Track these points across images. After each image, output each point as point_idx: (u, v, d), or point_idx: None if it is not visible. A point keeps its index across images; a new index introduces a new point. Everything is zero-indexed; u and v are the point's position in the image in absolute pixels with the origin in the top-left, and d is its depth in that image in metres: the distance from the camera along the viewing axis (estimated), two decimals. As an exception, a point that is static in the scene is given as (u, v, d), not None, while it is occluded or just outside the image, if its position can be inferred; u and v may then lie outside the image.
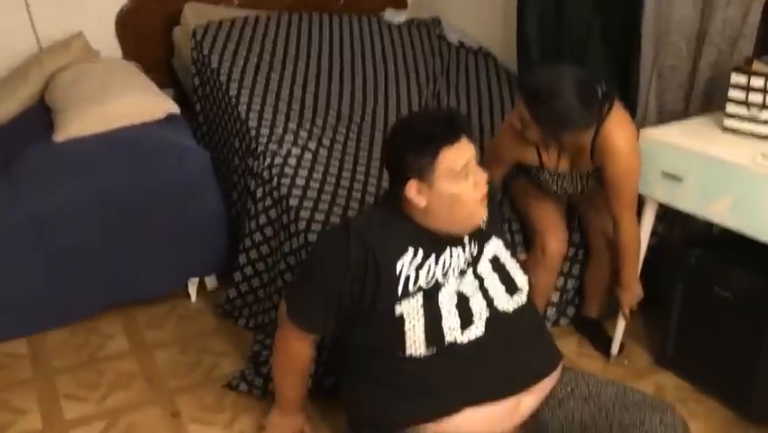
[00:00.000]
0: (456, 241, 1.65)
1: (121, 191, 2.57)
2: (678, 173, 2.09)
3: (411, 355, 1.59)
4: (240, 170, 2.93)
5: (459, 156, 1.57)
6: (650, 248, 2.34)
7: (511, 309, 1.66)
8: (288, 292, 1.79)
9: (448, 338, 1.58)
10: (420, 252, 1.61)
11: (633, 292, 2.28)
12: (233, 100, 3.03)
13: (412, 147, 1.58)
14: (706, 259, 2.24)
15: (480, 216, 1.65)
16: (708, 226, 2.36)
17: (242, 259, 2.65)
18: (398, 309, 1.59)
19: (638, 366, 2.47)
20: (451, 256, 1.63)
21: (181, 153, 2.69)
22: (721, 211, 2.01)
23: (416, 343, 1.58)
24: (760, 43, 2.30)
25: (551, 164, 2.24)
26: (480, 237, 1.70)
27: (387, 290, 1.59)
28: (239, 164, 2.95)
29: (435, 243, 1.63)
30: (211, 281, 2.88)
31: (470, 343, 1.60)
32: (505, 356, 1.62)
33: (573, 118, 1.96)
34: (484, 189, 1.62)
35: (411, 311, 1.58)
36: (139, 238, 2.61)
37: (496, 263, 1.70)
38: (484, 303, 1.63)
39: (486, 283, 1.66)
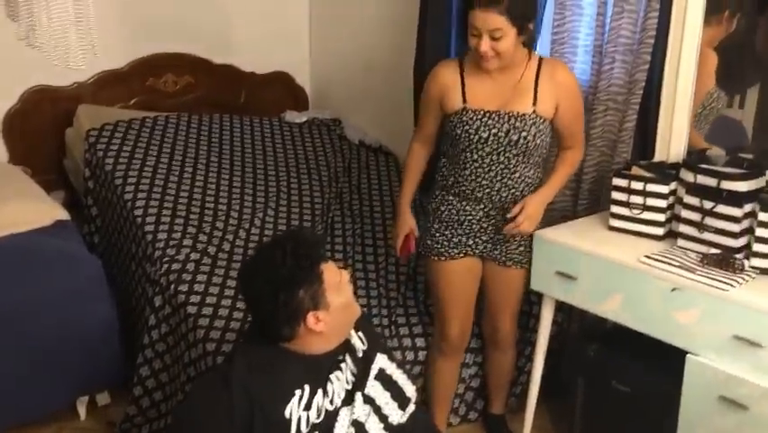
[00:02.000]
0: (335, 365, 1.63)
1: (4, 304, 2.40)
2: (572, 273, 2.17)
3: None
4: (137, 277, 2.82)
5: (333, 267, 1.60)
6: (551, 338, 2.40)
7: (405, 420, 1.65)
8: None
9: None
10: (306, 390, 1.56)
11: (537, 213, 2.21)
12: (129, 204, 2.95)
13: (298, 283, 1.53)
14: (603, 354, 2.30)
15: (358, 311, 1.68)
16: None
17: (144, 371, 2.53)
18: None
19: (547, 462, 2.48)
20: (332, 383, 1.60)
21: (70, 262, 2.57)
22: (613, 308, 2.09)
23: None
24: (637, 147, 2.46)
25: (475, 99, 2.18)
26: (364, 359, 1.67)
27: None
28: (136, 270, 2.84)
29: (318, 374, 1.59)
30: (102, 397, 2.70)
31: None
32: None
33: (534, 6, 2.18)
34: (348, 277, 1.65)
35: None
36: (24, 355, 2.43)
37: (384, 379, 1.68)
38: (381, 425, 1.61)
39: (378, 402, 1.63)
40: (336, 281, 1.58)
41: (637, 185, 2.19)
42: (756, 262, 1.94)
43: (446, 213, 2.30)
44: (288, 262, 1.53)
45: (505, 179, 2.20)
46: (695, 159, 2.21)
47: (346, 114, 4.11)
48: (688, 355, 1.91)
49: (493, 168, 2.19)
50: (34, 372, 2.46)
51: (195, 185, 3.16)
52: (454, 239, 2.30)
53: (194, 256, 2.69)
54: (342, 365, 1.63)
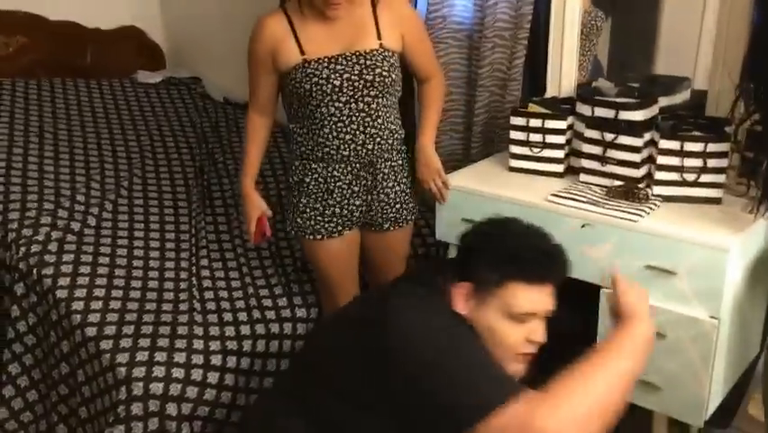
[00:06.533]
0: None
1: None
2: (478, 218, 2.09)
3: None
4: (-13, 264, 2.47)
5: (529, 300, 1.44)
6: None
7: None
8: None
9: None
10: None
11: (434, 164, 2.12)
12: (-32, 182, 2.56)
13: (491, 256, 1.47)
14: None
15: (512, 370, 1.46)
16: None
17: (14, 369, 2.24)
18: None
19: None
20: None
21: None
22: (523, 250, 2.04)
23: None
24: (527, 84, 2.42)
25: (314, 48, 1.96)
26: None
27: None
28: (-15, 256, 2.48)
29: None
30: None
31: None
32: None
33: None
34: (531, 349, 1.47)
35: None
36: None
37: None
38: None
39: None
40: (511, 310, 1.43)
41: (535, 122, 2.14)
42: (659, 189, 1.94)
43: (313, 183, 2.07)
44: (507, 240, 1.50)
45: (368, 129, 2.01)
46: (588, 91, 2.18)
47: (207, 71, 3.81)
48: (602, 290, 1.90)
49: (354, 118, 1.99)
50: None
51: (44, 156, 2.81)
52: (327, 211, 2.08)
53: (55, 235, 2.38)
54: None
